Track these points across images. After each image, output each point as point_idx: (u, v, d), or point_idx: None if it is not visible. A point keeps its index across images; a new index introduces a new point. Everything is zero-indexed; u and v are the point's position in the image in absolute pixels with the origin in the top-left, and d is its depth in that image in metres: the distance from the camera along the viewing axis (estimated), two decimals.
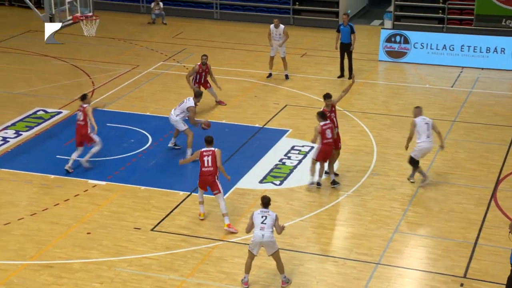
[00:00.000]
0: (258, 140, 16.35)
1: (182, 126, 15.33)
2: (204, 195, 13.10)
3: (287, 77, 19.93)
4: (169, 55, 21.88)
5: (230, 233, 12.67)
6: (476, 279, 11.49)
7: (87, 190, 14.18)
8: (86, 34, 17.34)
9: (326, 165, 14.23)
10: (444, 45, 21.16)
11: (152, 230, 12.85)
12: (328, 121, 13.95)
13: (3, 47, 22.61)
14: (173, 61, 21.25)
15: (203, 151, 12.84)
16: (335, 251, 12.31)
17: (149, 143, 16.12)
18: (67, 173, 14.68)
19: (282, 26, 19.49)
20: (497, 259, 11.95)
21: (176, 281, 11.46)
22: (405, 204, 13.67)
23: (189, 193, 13.96)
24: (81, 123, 14.67)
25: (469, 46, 20.98)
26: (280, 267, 11.25)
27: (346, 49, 19.75)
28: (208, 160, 12.72)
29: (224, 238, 12.58)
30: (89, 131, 14.67)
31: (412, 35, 21.40)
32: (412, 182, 14.34)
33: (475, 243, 12.45)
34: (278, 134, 16.54)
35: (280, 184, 14.40)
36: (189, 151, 15.15)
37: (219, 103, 17.99)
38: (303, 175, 14.68)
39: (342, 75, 20.03)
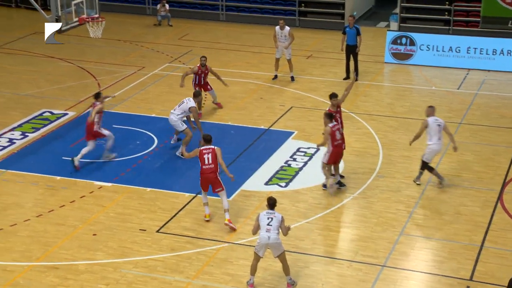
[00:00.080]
0: (264, 142, 16.35)
1: (181, 126, 15.39)
2: (208, 196, 13.12)
3: (292, 79, 19.93)
4: (174, 57, 21.91)
5: (230, 228, 12.74)
6: (482, 282, 11.46)
7: (93, 191, 14.21)
8: (92, 35, 17.39)
9: (332, 167, 14.21)
10: (450, 47, 21.12)
11: (157, 231, 12.86)
12: (335, 122, 13.92)
13: (10, 48, 22.69)
14: (179, 63, 21.27)
15: (203, 149, 12.87)
16: (341, 253, 12.30)
17: (154, 144, 16.15)
18: (73, 165, 14.80)
19: (287, 27, 19.49)
20: (504, 262, 11.91)
21: (181, 282, 11.46)
22: (411, 206, 13.65)
23: (194, 194, 13.97)
24: (90, 120, 14.94)
25: (475, 48, 20.94)
26: (286, 269, 11.25)
27: (352, 51, 19.73)
28: (208, 158, 12.76)
29: (230, 240, 12.58)
30: (96, 128, 14.92)
31: (418, 37, 21.37)
32: (418, 184, 14.31)
33: (481, 245, 12.42)
34: (283, 136, 16.53)
35: (285, 186, 14.40)
36: (183, 148, 15.19)
37: (216, 104, 17.92)
38: (308, 177, 14.67)
39: (348, 77, 20.01)
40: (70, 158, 14.96)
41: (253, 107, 18.22)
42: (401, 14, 23.96)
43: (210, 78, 17.89)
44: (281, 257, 11.16)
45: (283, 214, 11.31)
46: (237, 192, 14.10)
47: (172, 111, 15.56)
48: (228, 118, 17.60)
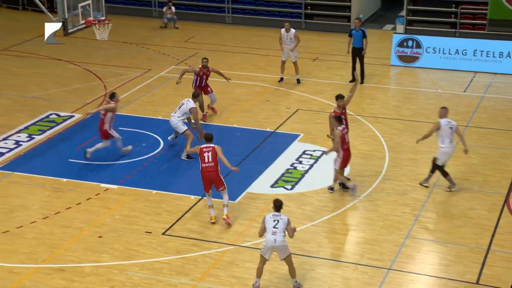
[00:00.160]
0: (270, 144, 16.34)
1: (182, 128, 15.43)
2: (212, 199, 13.14)
3: (298, 81, 19.92)
4: (181, 59, 21.94)
5: (226, 224, 12.88)
6: (488, 286, 11.42)
7: (99, 193, 14.23)
8: (99, 38, 17.42)
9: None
10: (457, 50, 21.07)
11: (163, 234, 12.87)
12: (343, 125, 13.86)
13: (17, 51, 22.76)
14: (185, 65, 21.28)
15: (203, 147, 12.94)
16: (347, 256, 12.28)
17: (160, 147, 16.16)
18: (85, 157, 15.06)
19: (293, 30, 19.48)
20: (510, 266, 11.87)
21: (187, 285, 11.46)
22: (417, 209, 13.61)
23: (200, 197, 13.97)
24: (103, 117, 15.15)
25: (482, 51, 20.88)
26: (292, 272, 11.23)
27: (358, 53, 19.72)
28: (208, 156, 12.82)
29: (235, 242, 12.58)
30: (105, 127, 15.12)
31: (424, 39, 21.33)
32: (426, 186, 14.26)
33: (488, 249, 12.37)
34: (289, 139, 16.52)
35: (291, 189, 14.38)
36: (185, 152, 15.27)
37: (211, 109, 17.73)
38: (314, 179, 14.66)
39: (354, 80, 19.98)
40: (84, 150, 15.21)
41: (259, 110, 18.22)
42: (408, 17, 23.92)
43: (216, 80, 17.90)
44: (287, 260, 11.15)
45: (289, 217, 11.30)
46: (243, 195, 14.10)
47: (172, 114, 15.59)
48: (233, 120, 17.60)
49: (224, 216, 12.94)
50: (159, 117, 17.74)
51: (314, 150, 15.91)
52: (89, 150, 15.10)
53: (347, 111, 14.83)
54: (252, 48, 23.03)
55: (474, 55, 20.95)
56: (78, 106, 18.43)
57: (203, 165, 12.87)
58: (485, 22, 22.91)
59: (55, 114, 17.97)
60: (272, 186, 14.50)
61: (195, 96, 15.75)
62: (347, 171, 14.47)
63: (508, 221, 13.21)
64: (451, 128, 13.90)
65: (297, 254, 11.97)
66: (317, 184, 14.45)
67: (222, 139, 15.78)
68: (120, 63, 21.57)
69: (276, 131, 17.01)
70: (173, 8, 25.14)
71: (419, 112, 18.09)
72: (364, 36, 19.55)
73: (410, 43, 21.34)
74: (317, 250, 12.36)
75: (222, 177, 12.95)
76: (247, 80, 20.25)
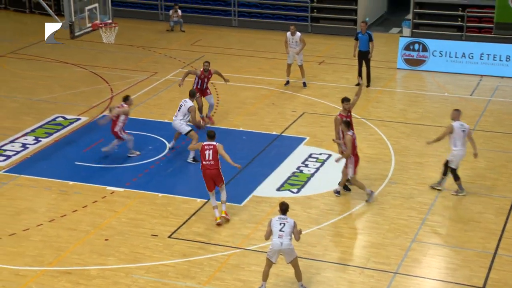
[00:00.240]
0: (276, 147, 16.34)
1: (186, 129, 15.54)
2: (217, 201, 13.17)
3: (304, 84, 19.92)
4: (187, 62, 21.97)
5: (225, 219, 12.97)
6: None
7: (105, 196, 14.25)
8: (105, 41, 17.47)
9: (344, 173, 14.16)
10: (463, 53, 21.03)
11: (169, 237, 12.87)
12: (352, 131, 13.80)
13: (24, 54, 22.84)
14: (191, 68, 21.30)
15: (205, 144, 13.07)
16: (353, 260, 12.25)
17: (167, 150, 16.18)
18: (106, 152, 15.52)
19: (298, 33, 19.48)
20: None
21: None
22: (423, 213, 13.58)
23: (206, 200, 13.97)
24: (115, 119, 15.39)
25: (488, 54, 20.84)
26: (298, 275, 11.22)
27: (364, 57, 19.70)
28: (209, 154, 12.92)
29: (241, 245, 12.57)
30: (116, 129, 15.34)
31: (430, 43, 21.30)
32: (439, 190, 14.14)
33: (495, 253, 12.33)
34: (295, 142, 16.51)
35: (297, 192, 14.37)
36: (192, 154, 15.36)
37: (209, 118, 17.44)
38: (320, 183, 14.64)
39: (358, 84, 19.94)
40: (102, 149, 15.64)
41: (265, 113, 18.22)
42: (414, 20, 23.90)
43: (222, 83, 17.90)
44: (294, 263, 11.14)
45: (295, 220, 11.28)
46: (249, 198, 14.10)
47: (174, 117, 15.63)
48: (239, 123, 17.60)
49: (223, 214, 13.06)
50: (166, 120, 17.76)
51: (320, 154, 15.90)
52: (106, 148, 15.55)
53: (352, 114, 14.80)
54: (258, 51, 23.04)
55: (480, 59, 20.90)
56: (84, 109, 18.47)
57: (204, 162, 13.02)
58: (492, 25, 22.86)
59: (61, 117, 18.02)
60: (278, 189, 14.50)
61: (192, 96, 15.80)
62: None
63: None
64: (463, 131, 13.85)
65: (303, 258, 11.95)
66: (323, 187, 14.43)
67: (228, 142, 15.75)
68: (126, 66, 21.62)
69: (282, 134, 17.01)
70: (179, 11, 25.19)
71: (425, 116, 18.06)
72: (371, 39, 19.54)
73: (416, 46, 21.31)
74: (323, 254, 12.35)
75: (222, 175, 13.04)
76: (253, 83, 20.26)
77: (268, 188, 14.50)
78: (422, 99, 19.39)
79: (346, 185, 14.12)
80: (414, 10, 23.94)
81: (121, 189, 14.50)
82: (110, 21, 17.40)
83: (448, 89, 19.95)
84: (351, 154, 13.59)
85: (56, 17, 17.10)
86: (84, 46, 22.82)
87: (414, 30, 23.71)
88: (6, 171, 15.28)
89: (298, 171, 15.20)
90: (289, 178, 14.90)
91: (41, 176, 15.06)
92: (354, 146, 13.60)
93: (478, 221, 13.32)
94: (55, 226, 13.24)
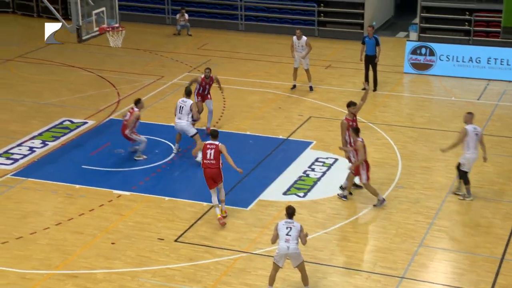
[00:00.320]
0: (282, 151, 16.33)
1: (193, 131, 15.58)
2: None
3: (311, 88, 19.91)
4: (194, 66, 22.00)
5: (224, 220, 13.07)
6: None
7: (111, 200, 14.27)
8: (112, 45, 17.51)
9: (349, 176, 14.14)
10: (471, 58, 20.98)
11: (175, 241, 12.87)
12: (361, 138, 13.75)
13: (31, 58, 22.92)
14: (198, 72, 21.32)
15: (207, 143, 13.17)
16: (359, 264, 12.22)
17: (173, 154, 16.18)
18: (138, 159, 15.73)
19: (304, 37, 19.48)
20: None
21: None
22: (430, 217, 13.53)
23: (212, 204, 13.96)
24: (126, 122, 15.48)
25: (495, 59, 20.78)
26: (305, 279, 11.20)
27: (371, 61, 19.68)
28: (210, 153, 12.99)
29: (248, 249, 12.56)
30: (127, 132, 15.45)
31: (437, 47, 21.25)
32: (459, 194, 14.04)
33: (502, 258, 12.27)
34: (302, 146, 16.50)
35: (304, 196, 14.35)
36: (199, 155, 15.31)
37: (208, 130, 17.03)
38: (327, 187, 14.62)
39: (365, 88, 19.91)
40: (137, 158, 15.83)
41: (272, 117, 18.22)
42: (421, 24, 23.86)
43: (229, 87, 17.87)
44: (300, 267, 11.12)
45: (301, 224, 11.26)
46: (255, 202, 14.09)
47: (177, 119, 15.59)
48: (246, 127, 17.60)
49: (223, 213, 13.23)
50: (172, 124, 17.75)
51: (327, 158, 15.87)
52: (137, 156, 15.71)
53: (358, 118, 14.77)
54: (264, 55, 23.05)
55: (488, 63, 20.85)
56: (91, 112, 18.51)
57: (205, 161, 13.10)
58: (499, 29, 22.80)
59: (68, 120, 18.06)
60: (284, 193, 14.48)
61: (188, 94, 15.84)
62: (357, 180, 14.38)
63: None
64: (476, 134, 13.80)
65: (309, 262, 11.92)
66: (329, 191, 14.41)
67: (235, 146, 15.78)
68: (133, 70, 21.67)
69: (289, 138, 17.00)
70: (186, 15, 25.23)
71: (433, 120, 18.02)
72: (377, 43, 19.51)
73: (423, 50, 21.27)
74: (330, 258, 12.32)
75: (222, 174, 13.13)
76: (259, 87, 20.26)
77: (275, 192, 14.49)
78: (429, 103, 19.34)
79: (342, 186, 14.12)
80: (421, 14, 23.90)
81: (128, 193, 14.51)
82: (117, 25, 17.45)
83: (455, 94, 19.89)
84: (364, 161, 13.57)
85: (63, 21, 17.16)
86: (91, 50, 22.89)
87: (421, 34, 23.67)
88: (13, 175, 15.33)
89: (305, 175, 15.18)
90: (295, 182, 14.89)
91: (48, 180, 15.09)
92: (365, 153, 13.58)
93: (485, 226, 13.26)
94: (62, 230, 13.26)
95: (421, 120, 18.05)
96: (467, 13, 23.42)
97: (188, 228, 13.25)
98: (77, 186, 14.81)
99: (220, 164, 13.10)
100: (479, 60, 20.91)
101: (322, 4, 25.08)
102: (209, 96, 17.36)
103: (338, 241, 12.89)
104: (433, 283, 11.72)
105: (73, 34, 16.55)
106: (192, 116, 15.68)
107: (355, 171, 13.76)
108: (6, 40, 24.89)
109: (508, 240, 12.79)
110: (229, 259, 12.30)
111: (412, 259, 12.23)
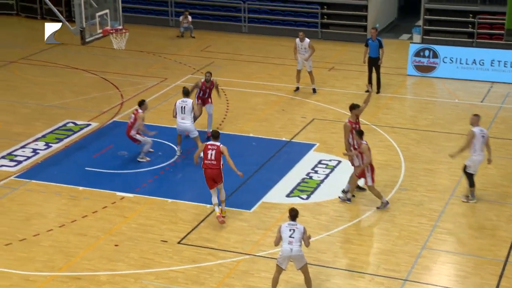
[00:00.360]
0: (285, 153, 16.32)
1: (196, 132, 15.66)
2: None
3: (314, 91, 19.91)
4: (197, 68, 22.02)
5: (223, 218, 13.05)
6: None
7: (115, 202, 14.28)
8: (116, 47, 17.53)
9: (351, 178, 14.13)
10: (474, 60, 20.96)
11: (178, 243, 12.88)
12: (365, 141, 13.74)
13: (35, 60, 22.97)
14: (201, 74, 21.31)
15: (208, 144, 13.20)
16: (362, 267, 12.20)
17: (176, 155, 16.19)
18: (143, 160, 15.75)
19: (307, 39, 19.48)
20: None
21: None
22: (434, 220, 13.51)
23: (212, 203, 13.96)
24: (130, 124, 15.53)
25: (499, 61, 20.76)
26: (308, 281, 11.19)
27: (374, 63, 19.67)
28: (211, 154, 13.01)
29: (251, 252, 12.55)
30: (132, 133, 15.49)
31: (441, 49, 21.24)
32: (474, 202, 14.00)
33: (506, 261, 12.25)
34: (305, 148, 16.49)
35: (307, 198, 14.34)
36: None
37: (207, 134, 16.94)
38: (330, 189, 14.61)
39: (368, 90, 19.89)
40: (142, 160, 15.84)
41: (275, 119, 18.22)
42: (424, 27, 23.85)
43: (233, 89, 17.87)
44: (303, 269, 11.11)
45: (304, 226, 11.25)
46: (258, 204, 14.08)
47: (182, 120, 15.58)
48: (249, 129, 17.61)
49: (223, 214, 13.25)
50: (175, 126, 17.76)
51: (330, 160, 15.86)
52: (140, 158, 15.69)
53: (361, 120, 14.76)
54: (268, 57, 23.06)
55: (491, 65, 20.82)
56: (95, 114, 18.54)
57: (205, 161, 13.13)
58: (503, 32, 22.77)
59: (72, 122, 18.09)
60: (287, 195, 14.48)
61: (186, 94, 15.87)
62: (361, 182, 14.36)
63: None
64: (483, 136, 13.78)
65: (312, 264, 11.91)
66: (332, 193, 14.40)
67: (238, 148, 15.79)
68: (136, 72, 21.69)
69: (292, 140, 17.00)
70: (189, 18, 25.26)
71: (436, 122, 18.00)
72: (381, 45, 19.51)
73: (426, 53, 21.26)
74: (333, 260, 12.31)
75: (222, 174, 13.15)
76: (262, 89, 20.27)
77: (278, 194, 14.48)
78: (432, 105, 19.33)
79: (344, 190, 14.10)
80: (425, 16, 23.90)
81: (131, 195, 14.52)
82: (120, 27, 17.46)
83: (458, 96, 19.87)
84: (369, 163, 13.56)
85: (67, 23, 17.17)
86: (94, 52, 22.92)
87: (424, 37, 23.66)
88: (16, 177, 15.35)
89: (308, 177, 15.17)
90: (298, 184, 14.88)
91: (52, 182, 15.11)
92: (370, 155, 13.57)
93: (489, 229, 13.24)
94: (65, 232, 13.27)
95: (424, 122, 18.03)
96: (471, 15, 23.41)
97: (191, 230, 13.26)
98: (81, 188, 14.83)
99: (221, 165, 13.12)
100: (483, 62, 20.89)
101: (325, 6, 25.08)
102: (209, 100, 17.29)
103: (341, 243, 12.88)
104: (437, 285, 11.70)
105: (77, 36, 16.57)
106: (194, 114, 15.75)
107: (360, 174, 13.74)
108: (10, 42, 24.95)
109: None
110: (232, 261, 12.30)
111: (415, 262, 12.21)
